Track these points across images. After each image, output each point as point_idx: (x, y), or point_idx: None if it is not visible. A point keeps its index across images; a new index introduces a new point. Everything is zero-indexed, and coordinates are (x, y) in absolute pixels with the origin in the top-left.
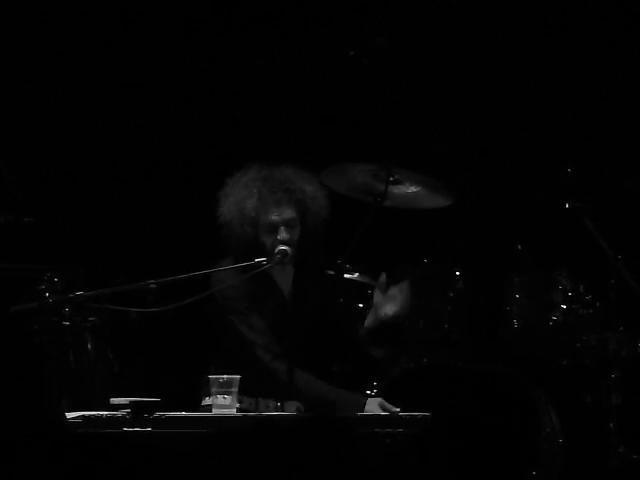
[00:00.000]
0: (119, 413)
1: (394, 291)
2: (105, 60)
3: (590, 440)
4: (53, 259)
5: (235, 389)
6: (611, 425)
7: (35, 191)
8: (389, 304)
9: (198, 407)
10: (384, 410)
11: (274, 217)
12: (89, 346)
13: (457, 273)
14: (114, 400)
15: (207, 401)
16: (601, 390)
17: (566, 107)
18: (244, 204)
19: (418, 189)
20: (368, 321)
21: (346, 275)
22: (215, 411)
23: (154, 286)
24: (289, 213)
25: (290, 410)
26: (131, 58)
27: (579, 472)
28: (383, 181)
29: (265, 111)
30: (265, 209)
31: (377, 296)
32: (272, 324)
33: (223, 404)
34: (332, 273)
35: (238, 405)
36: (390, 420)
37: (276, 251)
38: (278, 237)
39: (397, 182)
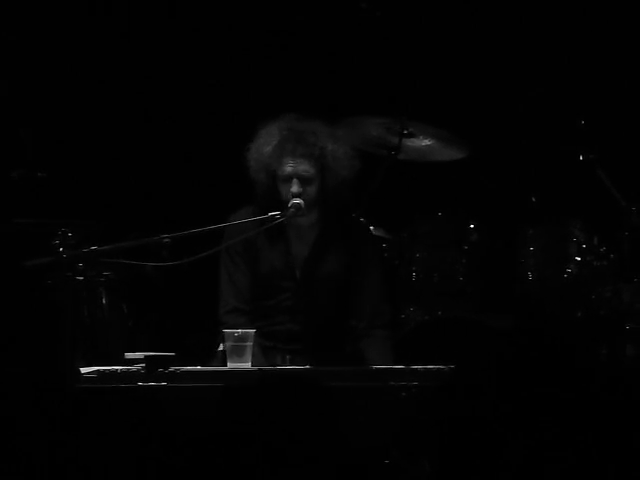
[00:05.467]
0: (134, 368)
1: None
2: (128, 9)
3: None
4: (67, 214)
5: (250, 343)
6: None
7: (49, 146)
8: None
9: (214, 353)
10: None
11: (287, 167)
12: (104, 301)
13: (471, 226)
14: (129, 355)
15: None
16: (616, 342)
17: (579, 58)
18: (262, 149)
19: (432, 142)
20: None
21: None
22: (230, 365)
23: (168, 240)
24: (304, 167)
25: (302, 364)
26: (155, 10)
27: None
28: (397, 134)
29: (281, 63)
30: (280, 158)
31: None
32: (267, 283)
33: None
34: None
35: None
36: (405, 373)
37: (290, 204)
38: (290, 189)
39: (411, 135)
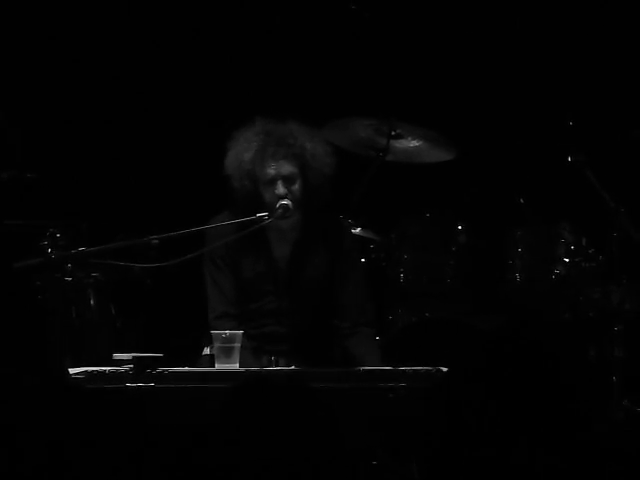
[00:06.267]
0: (122, 369)
1: None
2: (111, 11)
3: (593, 393)
4: (56, 215)
5: (238, 344)
6: (614, 378)
7: (38, 147)
8: None
9: (199, 358)
10: None
11: (270, 170)
12: (92, 302)
13: (459, 227)
14: (117, 356)
15: (207, 351)
16: (604, 343)
17: (567, 59)
18: (242, 157)
19: (420, 143)
20: None
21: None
22: (218, 366)
23: (156, 242)
24: (287, 168)
25: (286, 365)
26: (135, 9)
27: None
28: (385, 135)
29: (268, 65)
30: (262, 162)
31: None
32: (251, 286)
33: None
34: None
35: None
36: (393, 375)
37: (277, 205)
38: (275, 191)
39: (399, 136)
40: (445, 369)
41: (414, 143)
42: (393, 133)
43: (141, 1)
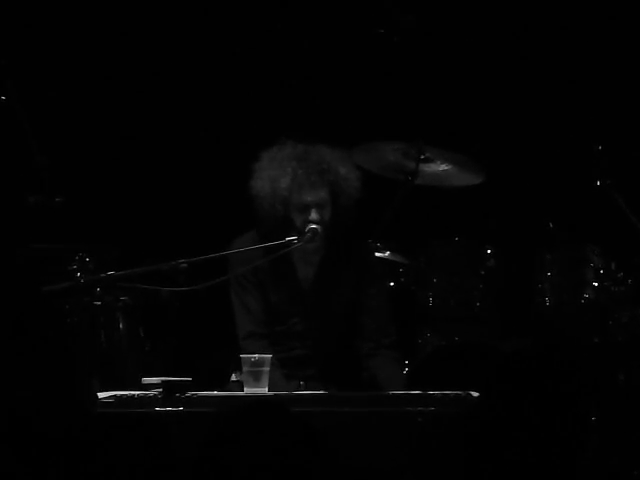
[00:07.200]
0: (151, 393)
1: None
2: (135, 30)
3: (623, 418)
4: (84, 239)
5: (267, 368)
6: None
7: (66, 170)
8: None
9: (227, 384)
10: None
11: (307, 198)
12: (121, 326)
13: (488, 251)
14: (146, 380)
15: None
16: (634, 368)
17: (596, 84)
18: (278, 183)
19: (449, 167)
20: None
21: (377, 254)
22: (247, 390)
23: (185, 265)
24: (322, 194)
25: (316, 389)
26: (161, 27)
27: (612, 450)
28: (414, 159)
29: (296, 88)
30: (299, 190)
31: None
32: (277, 309)
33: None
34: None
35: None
36: (422, 398)
37: (307, 229)
38: (309, 217)
39: (428, 160)
40: (475, 393)
41: (443, 167)
42: (422, 157)
43: (173, 23)
